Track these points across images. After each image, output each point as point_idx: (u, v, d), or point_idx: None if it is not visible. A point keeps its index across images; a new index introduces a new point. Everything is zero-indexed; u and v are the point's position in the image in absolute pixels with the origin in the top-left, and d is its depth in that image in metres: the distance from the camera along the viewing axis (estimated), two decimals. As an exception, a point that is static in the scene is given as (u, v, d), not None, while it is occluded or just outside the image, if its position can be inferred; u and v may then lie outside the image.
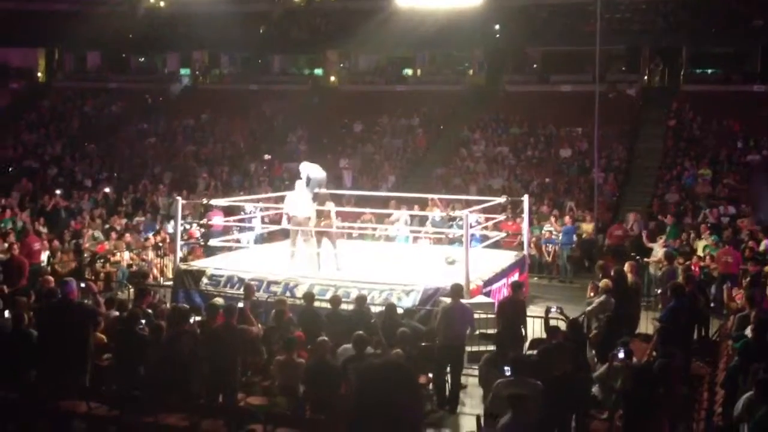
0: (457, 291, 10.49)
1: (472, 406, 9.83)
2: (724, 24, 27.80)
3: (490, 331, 10.73)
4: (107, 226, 19.06)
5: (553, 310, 10.54)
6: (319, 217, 13.74)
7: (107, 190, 24.39)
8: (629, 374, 7.93)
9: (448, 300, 10.72)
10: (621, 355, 8.49)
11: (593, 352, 10.34)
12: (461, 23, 27.85)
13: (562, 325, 10.09)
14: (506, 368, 7.82)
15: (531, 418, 6.84)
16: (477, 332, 10.77)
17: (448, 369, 10.15)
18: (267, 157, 27.49)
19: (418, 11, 22.35)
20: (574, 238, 19.27)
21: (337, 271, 13.34)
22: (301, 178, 14.12)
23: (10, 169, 27.67)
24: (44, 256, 15.74)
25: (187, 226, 17.33)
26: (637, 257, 15.91)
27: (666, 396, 7.65)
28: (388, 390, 7.47)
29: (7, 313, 9.19)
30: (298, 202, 13.82)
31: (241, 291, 12.19)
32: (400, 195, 20.07)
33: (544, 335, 9.92)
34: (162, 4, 33.98)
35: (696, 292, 11.49)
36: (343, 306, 10.76)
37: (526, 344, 10.85)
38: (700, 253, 16.65)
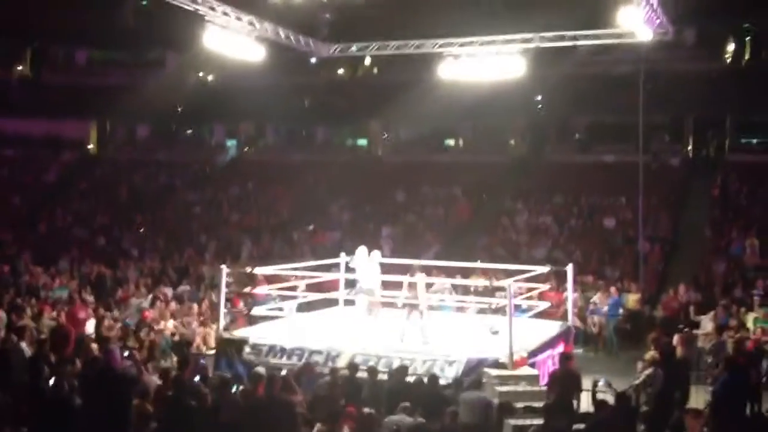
0: (477, 383, 10.43)
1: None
2: (768, 93, 27.61)
3: (536, 404, 10.49)
4: (152, 294, 19.22)
5: (600, 383, 10.33)
6: (410, 289, 13.84)
7: (152, 259, 24.69)
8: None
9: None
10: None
11: (643, 427, 10.06)
12: (503, 94, 28.00)
13: (610, 399, 9.85)
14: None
15: None
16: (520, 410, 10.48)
17: None
18: (311, 227, 27.69)
19: (459, 83, 22.67)
20: (620, 309, 18.95)
21: (424, 345, 13.18)
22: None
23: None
24: (90, 325, 15.87)
25: (231, 295, 17.41)
26: (686, 329, 15.57)
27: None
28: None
29: (52, 381, 9.27)
30: (363, 273, 14.10)
31: (284, 360, 12.19)
32: (443, 264, 19.90)
33: (592, 409, 9.68)
34: (210, 78, 35.03)
35: (748, 366, 11.19)
36: (383, 376, 10.67)
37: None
38: (750, 325, 16.24)
